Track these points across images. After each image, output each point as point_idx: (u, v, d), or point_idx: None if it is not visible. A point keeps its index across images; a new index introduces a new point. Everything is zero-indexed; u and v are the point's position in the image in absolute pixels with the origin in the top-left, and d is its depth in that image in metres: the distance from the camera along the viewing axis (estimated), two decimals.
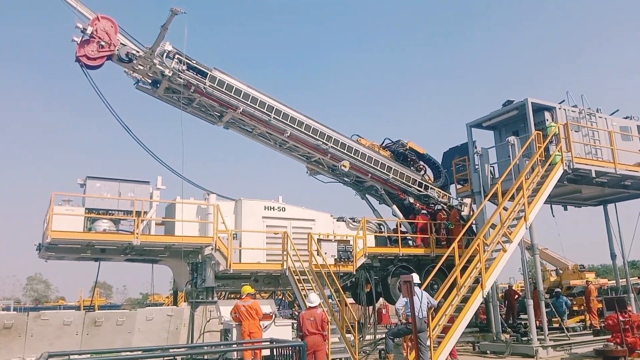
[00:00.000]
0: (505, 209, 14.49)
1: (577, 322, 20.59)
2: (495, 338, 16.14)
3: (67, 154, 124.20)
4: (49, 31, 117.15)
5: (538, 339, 14.60)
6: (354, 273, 16.36)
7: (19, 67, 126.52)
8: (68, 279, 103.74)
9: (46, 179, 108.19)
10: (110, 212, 14.01)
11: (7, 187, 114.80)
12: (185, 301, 16.80)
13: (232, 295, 20.96)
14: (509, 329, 17.34)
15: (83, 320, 12.42)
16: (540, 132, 15.59)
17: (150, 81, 14.83)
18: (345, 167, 17.02)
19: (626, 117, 18.05)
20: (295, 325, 16.76)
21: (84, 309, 18.82)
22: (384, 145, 19.20)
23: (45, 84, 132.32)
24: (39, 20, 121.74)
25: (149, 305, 31.35)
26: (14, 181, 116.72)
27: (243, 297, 12.14)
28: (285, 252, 15.05)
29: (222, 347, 11.75)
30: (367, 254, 16.58)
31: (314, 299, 11.15)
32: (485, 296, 13.07)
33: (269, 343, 9.93)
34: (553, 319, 18.63)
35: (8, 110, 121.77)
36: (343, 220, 17.49)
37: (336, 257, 15.72)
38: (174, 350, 11.01)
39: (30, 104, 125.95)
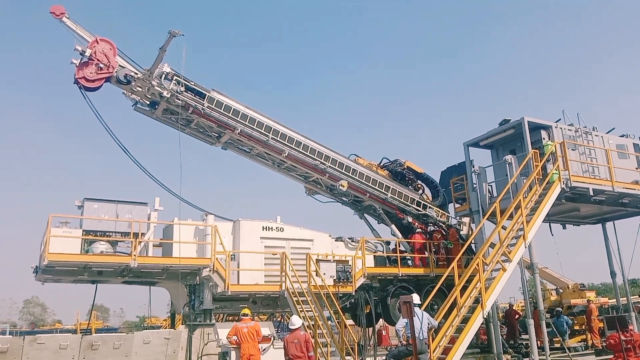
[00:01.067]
0: (504, 227, 14.47)
1: (578, 341, 20.45)
2: (496, 359, 15.96)
3: (65, 175, 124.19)
4: (45, 53, 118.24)
5: (540, 359, 14.46)
6: (353, 294, 16.23)
7: (18, 89, 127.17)
8: (65, 301, 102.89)
9: (43, 200, 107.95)
10: (107, 233, 13.94)
11: (4, 208, 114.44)
12: (182, 324, 16.61)
13: (230, 318, 20.75)
14: (511, 350, 17.18)
15: (79, 344, 12.28)
16: (537, 151, 15.66)
17: (148, 102, 14.89)
18: (344, 186, 17.01)
19: (622, 135, 18.13)
20: None
21: (80, 333, 18.59)
22: (381, 164, 19.23)
23: (43, 105, 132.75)
24: (37, 42, 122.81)
25: (147, 328, 30.99)
26: (11, 203, 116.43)
27: (243, 319, 11.94)
28: (283, 273, 14.96)
29: None
30: (366, 274, 16.47)
31: (295, 321, 11.09)
32: (485, 316, 12.97)
33: None
34: (554, 339, 18.48)
35: (5, 131, 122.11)
36: (342, 240, 17.39)
37: (335, 277, 15.60)
38: None
39: (27, 124, 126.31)
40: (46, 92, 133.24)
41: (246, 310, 12.14)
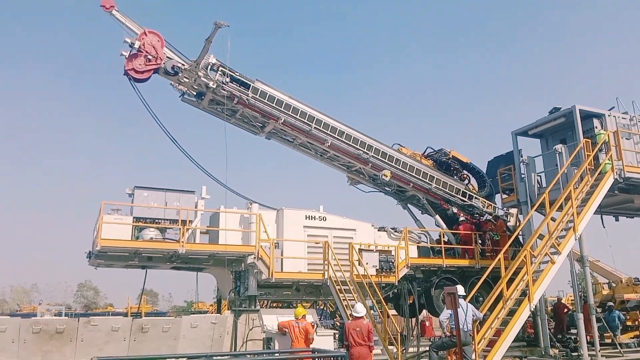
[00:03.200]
0: (553, 219, 14.07)
1: (631, 337, 19.70)
2: (543, 353, 15.61)
3: (116, 163, 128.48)
4: (98, 46, 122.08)
5: (589, 355, 14.06)
6: (396, 284, 16.19)
7: (69, 80, 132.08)
8: (116, 286, 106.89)
9: (96, 187, 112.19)
10: (157, 220, 14.39)
11: (60, 195, 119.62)
12: (228, 309, 17.01)
13: (274, 304, 21.09)
14: (558, 344, 16.76)
15: (130, 326, 12.74)
16: (589, 140, 15.12)
17: (195, 93, 15.21)
18: (387, 176, 16.91)
19: None
20: (337, 335, 16.74)
21: (131, 316, 19.31)
22: (426, 154, 18.99)
23: (94, 96, 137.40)
24: (90, 34, 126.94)
25: (194, 313, 31.90)
26: (67, 189, 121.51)
27: (299, 318, 11.47)
28: (326, 262, 15.06)
29: (264, 355, 11.79)
30: (409, 265, 16.39)
31: (359, 309, 11.02)
32: (532, 309, 12.69)
33: (310, 352, 9.92)
34: (605, 334, 17.90)
35: (61, 123, 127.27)
36: (384, 230, 17.35)
37: (378, 267, 15.60)
38: (218, 357, 11.13)
39: (82, 117, 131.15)
40: (99, 82, 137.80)
41: (300, 311, 11.93)
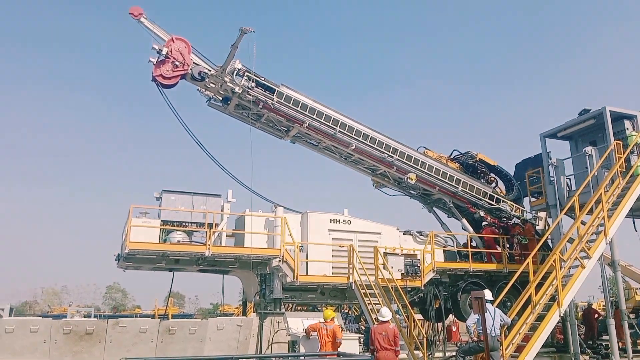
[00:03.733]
0: (583, 223, 13.80)
1: None
2: (573, 359, 15.29)
3: (145, 167, 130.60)
4: (121, 52, 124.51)
5: None
6: (422, 288, 16.05)
7: (100, 88, 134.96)
8: (144, 288, 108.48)
9: (125, 191, 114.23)
10: (184, 224, 14.59)
11: (90, 199, 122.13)
12: (254, 312, 17.12)
13: (299, 308, 21.13)
14: (589, 350, 16.40)
15: (158, 328, 12.93)
16: (620, 142, 14.84)
17: (221, 98, 15.39)
18: (412, 179, 16.80)
19: None
20: (362, 339, 16.68)
21: (158, 318, 19.59)
22: (452, 157, 18.83)
23: (118, 98, 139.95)
24: (120, 43, 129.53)
25: (220, 315, 32.18)
26: (97, 192, 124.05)
27: (328, 320, 11.54)
28: (351, 265, 15.03)
29: (290, 358, 11.82)
30: (435, 269, 16.23)
31: (385, 313, 10.98)
32: (562, 314, 12.46)
33: (336, 356, 9.91)
34: (638, 341, 17.46)
35: (90, 125, 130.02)
36: (410, 234, 17.24)
37: (403, 271, 15.50)
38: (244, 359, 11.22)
39: (112, 120, 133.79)
40: (128, 89, 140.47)
41: (329, 313, 11.90)
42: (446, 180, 17.42)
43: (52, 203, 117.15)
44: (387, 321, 10.78)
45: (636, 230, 17.07)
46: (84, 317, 30.49)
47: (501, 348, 10.53)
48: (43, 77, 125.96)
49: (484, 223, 17.98)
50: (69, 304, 45.43)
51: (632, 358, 13.96)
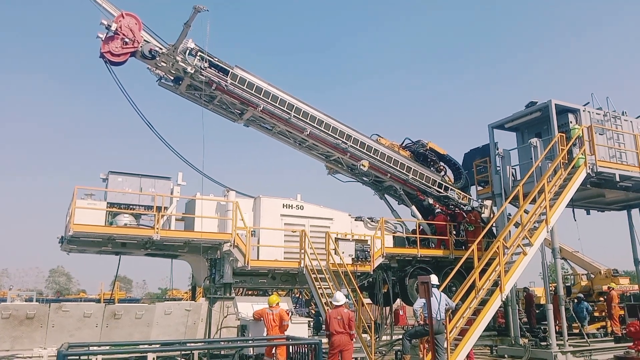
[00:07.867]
0: (526, 211, 14.31)
1: (597, 328, 20.25)
2: (513, 342, 15.94)
3: (90, 147, 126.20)
4: (71, 26, 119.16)
5: (557, 345, 14.42)
6: (372, 273, 16.32)
7: (40, 61, 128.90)
8: (89, 272, 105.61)
9: (70, 172, 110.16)
10: (131, 206, 14.22)
11: (31, 180, 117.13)
12: (203, 297, 16.95)
13: (250, 292, 21.07)
14: (528, 334, 17.11)
15: (103, 312, 12.60)
16: (564, 135, 15.38)
17: (172, 78, 14.97)
18: (365, 166, 16.96)
19: None
20: (311, 323, 16.82)
21: (104, 302, 19.10)
22: (404, 145, 19.10)
23: (68, 78, 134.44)
24: (62, 14, 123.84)
25: (168, 300, 31.70)
26: (38, 174, 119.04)
27: (273, 306, 11.56)
28: (302, 251, 15.09)
29: (238, 342, 11.77)
30: (384, 254, 16.52)
31: (340, 297, 11.08)
32: (504, 299, 12.93)
33: (285, 340, 9.95)
34: (573, 325, 18.35)
35: (31, 105, 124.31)
36: (361, 220, 17.45)
37: (354, 256, 15.69)
38: (192, 344, 11.10)
39: (53, 98, 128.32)
40: (74, 65, 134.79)
41: (274, 299, 11.93)
42: (397, 168, 17.66)
43: None
44: (342, 305, 10.90)
45: (575, 220, 17.86)
46: (25, 301, 29.31)
47: (446, 331, 10.83)
48: None
49: (437, 210, 18.37)
50: (9, 288, 43.56)
51: (567, 340, 14.66)
